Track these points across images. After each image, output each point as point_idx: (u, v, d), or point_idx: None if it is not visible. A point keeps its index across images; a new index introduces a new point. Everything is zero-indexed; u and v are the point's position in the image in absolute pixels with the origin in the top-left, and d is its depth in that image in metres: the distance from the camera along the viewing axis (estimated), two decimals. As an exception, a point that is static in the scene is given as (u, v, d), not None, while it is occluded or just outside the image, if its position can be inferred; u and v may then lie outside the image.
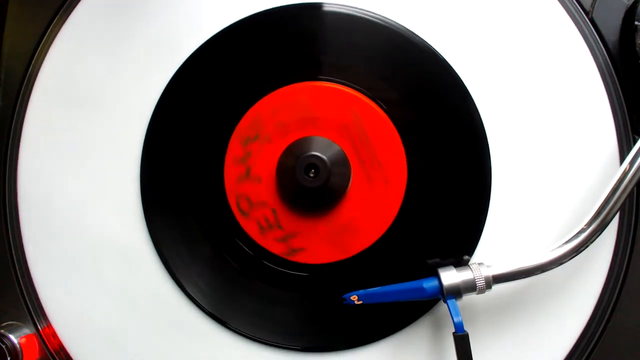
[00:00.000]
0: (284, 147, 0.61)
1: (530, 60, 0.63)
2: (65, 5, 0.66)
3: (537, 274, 0.57)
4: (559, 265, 0.56)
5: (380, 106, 0.62)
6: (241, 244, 0.62)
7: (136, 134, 0.64)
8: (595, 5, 0.63)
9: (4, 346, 0.62)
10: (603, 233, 0.57)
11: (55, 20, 0.66)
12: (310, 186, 0.58)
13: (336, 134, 0.61)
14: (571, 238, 0.56)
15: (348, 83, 0.62)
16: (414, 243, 0.61)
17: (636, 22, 0.60)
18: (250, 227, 0.62)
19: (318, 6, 0.63)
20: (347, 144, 0.61)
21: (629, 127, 0.62)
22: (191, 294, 0.62)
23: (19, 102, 0.66)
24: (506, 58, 0.63)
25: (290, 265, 0.62)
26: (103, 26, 0.65)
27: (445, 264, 0.59)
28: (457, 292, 0.56)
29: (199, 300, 0.62)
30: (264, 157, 0.62)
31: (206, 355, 0.62)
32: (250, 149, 0.62)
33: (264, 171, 0.62)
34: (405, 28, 0.63)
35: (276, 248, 0.62)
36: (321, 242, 0.61)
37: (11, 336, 0.63)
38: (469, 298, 0.58)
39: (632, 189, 0.56)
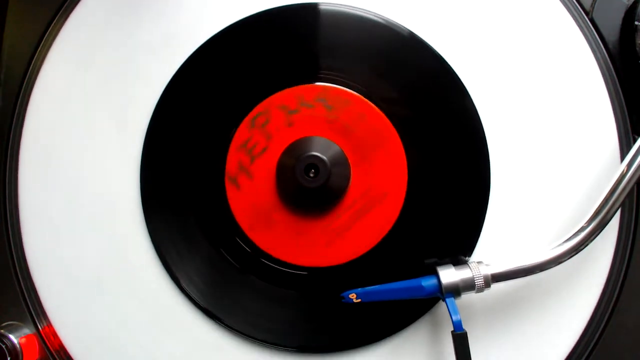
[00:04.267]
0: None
1: (530, 59, 0.63)
2: (65, 5, 0.66)
3: (536, 273, 0.57)
4: (558, 264, 0.56)
5: (379, 106, 0.62)
6: (240, 242, 0.62)
7: (136, 133, 0.64)
8: (595, 5, 0.63)
9: (4, 346, 0.62)
10: (604, 232, 0.57)
11: (55, 20, 0.66)
12: (310, 186, 0.59)
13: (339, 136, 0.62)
14: (571, 237, 0.56)
15: (345, 82, 0.62)
16: (413, 242, 0.61)
17: (636, 22, 0.60)
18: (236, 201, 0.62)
19: (317, 6, 0.64)
20: (347, 145, 0.61)
21: (629, 127, 0.62)
22: (190, 292, 0.62)
23: (19, 102, 0.66)
24: (506, 58, 0.63)
25: (289, 264, 0.62)
26: (103, 27, 0.66)
27: (442, 264, 0.59)
28: (455, 290, 0.56)
29: (197, 299, 0.62)
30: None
31: (204, 354, 0.62)
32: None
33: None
34: (406, 28, 0.63)
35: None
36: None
37: (11, 336, 0.63)
38: (467, 297, 0.58)
39: (632, 188, 0.56)
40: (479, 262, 0.57)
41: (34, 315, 0.65)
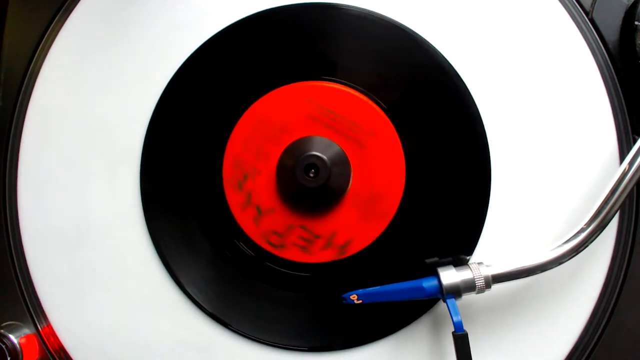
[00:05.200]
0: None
1: (530, 60, 0.62)
2: (65, 6, 0.66)
3: (537, 274, 0.57)
4: (558, 265, 0.56)
5: (379, 104, 0.62)
6: (242, 244, 0.62)
7: (136, 134, 0.64)
8: (595, 5, 0.63)
9: (4, 346, 0.62)
10: (603, 233, 0.57)
11: (55, 20, 0.66)
12: (310, 186, 0.59)
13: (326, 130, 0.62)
14: (571, 237, 0.56)
15: (346, 82, 0.62)
16: (413, 242, 0.61)
17: (636, 22, 0.60)
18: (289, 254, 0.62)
19: (319, 5, 0.63)
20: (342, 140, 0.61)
21: (629, 127, 0.62)
22: (191, 294, 0.62)
23: (19, 102, 0.66)
24: (506, 58, 0.63)
25: (290, 265, 0.62)
26: (103, 26, 0.65)
27: (443, 263, 0.59)
28: (456, 291, 0.56)
29: (198, 300, 0.62)
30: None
31: (205, 354, 0.62)
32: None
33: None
34: (408, 28, 0.63)
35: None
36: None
37: (11, 336, 0.63)
38: (468, 298, 0.58)
39: (632, 189, 0.56)
40: (479, 263, 0.57)
41: (34, 315, 0.65)
